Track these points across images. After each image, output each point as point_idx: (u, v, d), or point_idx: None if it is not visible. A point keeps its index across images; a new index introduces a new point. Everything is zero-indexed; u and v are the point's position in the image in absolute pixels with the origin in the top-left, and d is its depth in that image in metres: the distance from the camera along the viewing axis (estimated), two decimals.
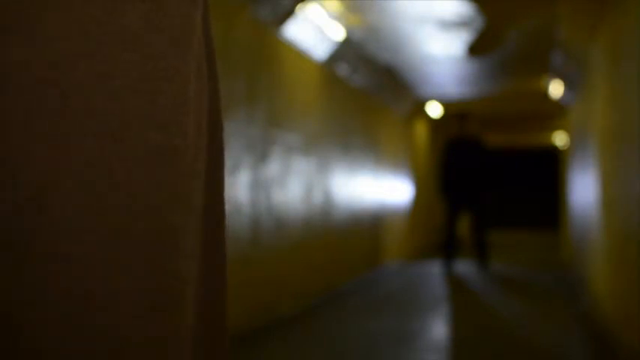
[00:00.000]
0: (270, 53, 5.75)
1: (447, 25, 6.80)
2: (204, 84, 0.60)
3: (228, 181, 4.79)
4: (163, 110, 0.53)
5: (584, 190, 7.76)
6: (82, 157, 0.48)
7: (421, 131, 13.36)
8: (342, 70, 7.73)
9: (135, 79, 0.51)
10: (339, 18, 6.67)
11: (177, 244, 0.53)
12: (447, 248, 10.15)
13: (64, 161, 0.48)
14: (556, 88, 9.57)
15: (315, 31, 6.50)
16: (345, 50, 7.41)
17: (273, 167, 5.68)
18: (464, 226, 14.18)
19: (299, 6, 5.81)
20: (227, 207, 0.73)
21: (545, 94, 10.56)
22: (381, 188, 9.78)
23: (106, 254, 0.49)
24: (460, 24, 6.77)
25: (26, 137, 0.47)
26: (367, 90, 8.98)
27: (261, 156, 5.42)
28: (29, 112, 0.47)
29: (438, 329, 5.90)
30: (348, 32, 7.12)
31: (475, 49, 7.77)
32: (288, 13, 5.76)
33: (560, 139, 15.93)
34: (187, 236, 0.54)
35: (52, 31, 0.48)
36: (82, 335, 0.48)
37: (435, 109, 12.53)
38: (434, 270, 10.19)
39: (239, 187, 4.99)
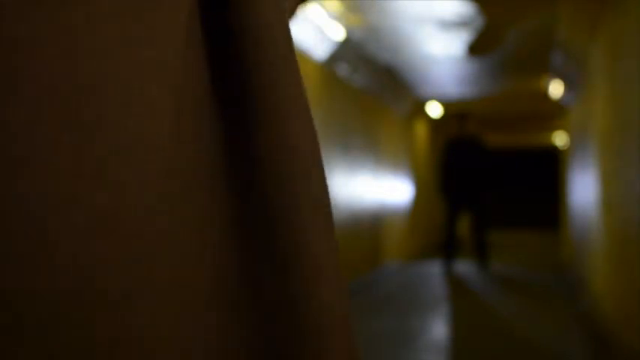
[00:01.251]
0: None
1: (447, 25, 6.80)
2: (196, 79, 0.56)
3: None
4: (145, 102, 0.49)
5: (584, 190, 7.76)
6: (56, 150, 0.46)
7: (421, 131, 13.35)
8: (342, 70, 7.73)
9: (113, 66, 0.48)
10: (339, 18, 6.67)
11: (158, 248, 0.51)
12: (447, 248, 10.16)
13: (35, 157, 0.45)
14: (556, 88, 9.57)
15: (315, 31, 6.50)
16: (345, 50, 7.41)
17: None
18: (464, 226, 14.19)
19: (299, 6, 5.81)
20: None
21: (545, 94, 10.56)
22: (381, 188, 9.78)
23: (92, 255, 0.47)
24: (460, 24, 6.77)
25: None
26: (367, 90, 8.97)
27: None
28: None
29: (438, 329, 5.90)
30: (348, 32, 7.12)
31: (475, 49, 7.77)
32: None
33: (560, 139, 15.93)
34: (171, 241, 0.51)
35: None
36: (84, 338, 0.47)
37: (435, 109, 12.53)
38: (434, 270, 10.19)
39: None
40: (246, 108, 0.57)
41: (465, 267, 10.40)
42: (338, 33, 6.94)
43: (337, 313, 0.57)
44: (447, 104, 12.12)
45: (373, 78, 8.87)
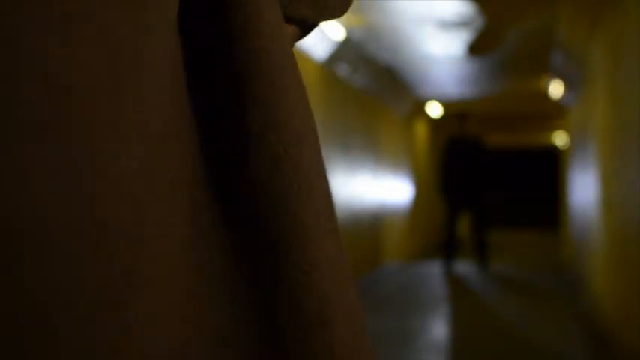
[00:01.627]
0: None
1: (447, 25, 6.80)
2: (181, 74, 0.56)
3: None
4: (134, 96, 0.48)
5: (584, 190, 7.76)
6: (53, 149, 0.45)
7: (421, 131, 13.35)
8: (342, 70, 7.73)
9: (108, 63, 0.47)
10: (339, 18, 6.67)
11: (157, 245, 0.49)
12: (447, 248, 10.16)
13: (34, 157, 0.44)
14: (556, 88, 9.57)
15: (315, 31, 6.50)
16: (345, 50, 7.41)
17: None
18: (464, 226, 14.18)
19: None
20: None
21: (545, 94, 10.56)
22: (381, 188, 9.78)
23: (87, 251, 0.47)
24: (460, 24, 6.77)
25: None
26: (367, 90, 8.98)
27: None
28: None
29: (438, 329, 5.90)
30: (348, 32, 7.12)
31: (475, 49, 7.77)
32: None
33: (560, 139, 15.93)
34: (170, 237, 0.50)
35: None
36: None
37: (435, 109, 12.53)
38: (434, 270, 10.19)
39: None
40: (237, 96, 0.55)
41: (465, 267, 10.40)
42: (338, 33, 6.94)
43: (343, 304, 0.55)
44: (447, 104, 12.12)
45: (373, 78, 8.87)
